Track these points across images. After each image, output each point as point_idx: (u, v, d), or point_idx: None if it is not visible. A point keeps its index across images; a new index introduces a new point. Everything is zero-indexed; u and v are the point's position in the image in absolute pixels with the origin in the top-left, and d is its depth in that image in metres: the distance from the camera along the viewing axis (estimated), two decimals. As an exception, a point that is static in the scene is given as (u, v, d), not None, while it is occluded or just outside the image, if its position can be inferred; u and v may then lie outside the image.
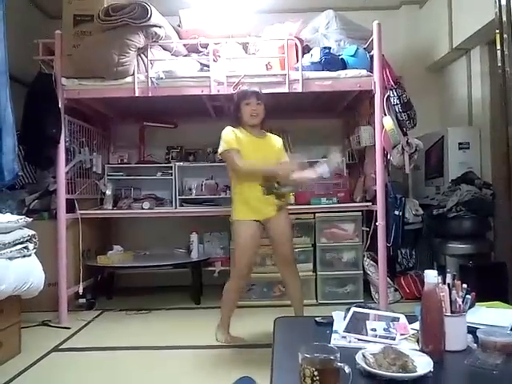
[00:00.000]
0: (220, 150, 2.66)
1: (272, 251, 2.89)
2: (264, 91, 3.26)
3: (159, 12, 3.27)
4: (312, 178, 2.67)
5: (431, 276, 1.24)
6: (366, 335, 1.36)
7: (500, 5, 2.52)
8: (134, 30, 3.13)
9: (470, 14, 3.46)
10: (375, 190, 3.30)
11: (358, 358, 1.14)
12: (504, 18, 2.47)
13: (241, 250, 2.67)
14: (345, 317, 1.50)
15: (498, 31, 2.51)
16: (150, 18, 3.10)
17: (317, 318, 1.59)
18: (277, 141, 2.83)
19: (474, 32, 3.42)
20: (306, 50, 3.51)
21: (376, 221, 3.27)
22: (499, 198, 3.38)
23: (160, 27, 3.26)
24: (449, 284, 1.32)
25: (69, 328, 3.08)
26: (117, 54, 3.12)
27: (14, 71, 3.46)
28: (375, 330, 1.38)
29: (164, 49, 3.48)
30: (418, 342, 1.30)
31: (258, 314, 3.06)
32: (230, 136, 2.64)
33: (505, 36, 2.45)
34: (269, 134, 2.84)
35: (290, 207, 3.63)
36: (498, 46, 2.52)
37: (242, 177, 2.66)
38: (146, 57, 3.29)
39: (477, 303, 1.54)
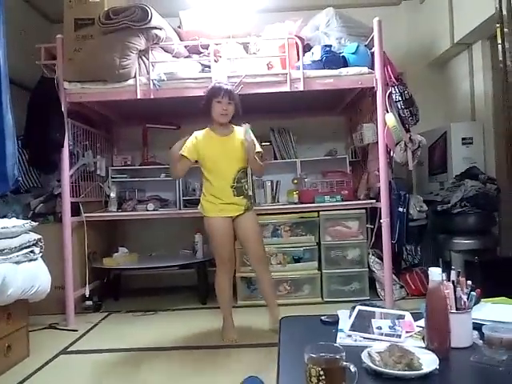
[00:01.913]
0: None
1: (243, 249, 2.98)
2: (265, 90, 3.29)
3: (159, 14, 3.28)
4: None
5: (435, 273, 1.25)
6: (372, 333, 1.37)
7: (500, -1, 2.51)
8: (134, 32, 3.13)
9: (471, 9, 3.45)
10: (379, 187, 3.30)
11: (364, 356, 1.15)
12: (504, 12, 2.47)
13: (219, 246, 2.75)
14: (350, 315, 1.51)
15: (498, 25, 2.50)
16: (150, 20, 3.11)
17: (322, 317, 1.59)
18: (241, 136, 2.77)
19: (475, 27, 3.40)
20: (307, 48, 3.51)
21: (380, 218, 3.26)
22: (504, 192, 3.37)
23: (160, 29, 3.26)
24: (453, 281, 1.32)
25: (76, 330, 3.09)
26: (118, 57, 3.13)
27: (16, 76, 3.48)
28: (381, 328, 1.39)
29: (165, 50, 3.49)
30: (423, 339, 1.30)
31: (263, 314, 3.06)
32: (188, 144, 2.74)
33: (505, 30, 2.45)
34: (235, 127, 2.82)
35: (293, 206, 3.68)
36: (499, 41, 2.52)
37: (213, 179, 2.73)
38: (148, 59, 3.30)
39: (482, 299, 1.54)
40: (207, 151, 2.72)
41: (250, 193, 2.84)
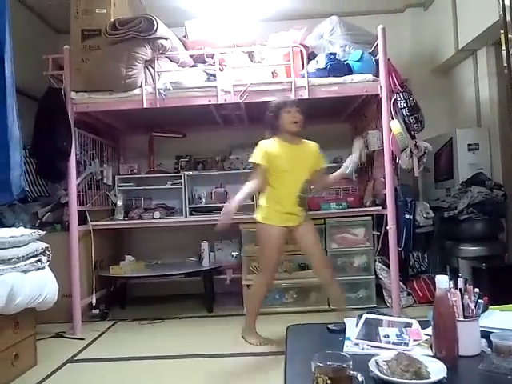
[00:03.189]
0: (251, 159, 2.79)
1: (305, 257, 3.00)
2: (270, 98, 3.30)
3: (165, 24, 3.31)
4: (340, 174, 2.86)
5: (442, 281, 1.24)
6: (379, 342, 1.36)
7: (504, 5, 2.51)
8: (140, 42, 3.17)
9: (475, 15, 3.46)
10: (385, 194, 3.29)
11: (371, 365, 1.14)
12: (508, 19, 2.46)
13: (270, 256, 2.77)
14: (357, 323, 1.51)
15: (502, 32, 2.50)
16: (156, 30, 3.14)
17: (329, 325, 1.59)
18: (313, 147, 2.89)
19: (480, 33, 3.41)
20: (312, 56, 3.52)
21: (387, 225, 3.25)
22: (511, 198, 3.36)
23: (166, 39, 3.30)
24: (461, 289, 1.32)
25: (83, 339, 3.10)
26: (124, 67, 3.16)
27: (23, 86, 3.53)
28: (388, 337, 1.38)
29: (171, 60, 3.52)
30: (431, 347, 1.30)
31: (269, 322, 3.06)
32: (260, 151, 2.75)
33: (510, 36, 2.44)
34: (305, 140, 2.88)
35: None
36: (504, 47, 2.51)
37: (279, 186, 2.75)
38: (154, 68, 3.33)
39: (490, 306, 1.53)
40: (278, 158, 2.73)
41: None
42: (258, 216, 2.80)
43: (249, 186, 2.75)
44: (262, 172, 2.74)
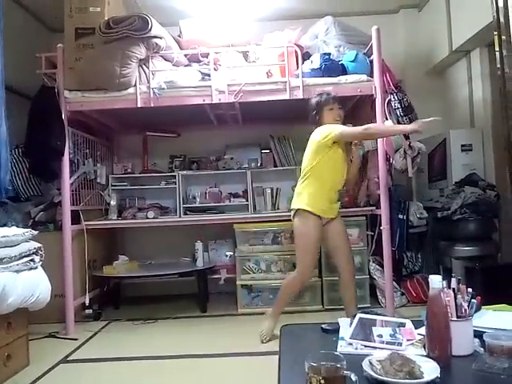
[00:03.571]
0: (334, 134, 2.68)
1: (331, 253, 2.96)
2: (265, 98, 3.32)
3: (159, 23, 3.30)
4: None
5: (436, 281, 1.24)
6: (373, 341, 1.36)
7: (497, 7, 2.52)
8: (135, 41, 3.16)
9: (469, 16, 3.47)
10: (379, 195, 3.30)
11: (365, 365, 1.14)
12: (502, 20, 2.47)
13: (309, 242, 2.74)
14: (351, 323, 1.51)
15: (496, 33, 2.51)
16: (150, 29, 3.13)
17: (323, 325, 1.59)
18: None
19: (473, 34, 3.43)
20: (306, 56, 3.53)
21: (380, 225, 3.26)
22: (504, 198, 3.38)
23: (161, 38, 3.29)
24: (454, 288, 1.32)
25: (76, 339, 3.08)
26: (118, 66, 3.15)
27: (16, 85, 3.51)
28: (382, 336, 1.38)
29: (165, 59, 3.51)
30: (424, 347, 1.30)
31: (263, 322, 3.05)
32: (332, 124, 2.77)
33: (503, 38, 2.45)
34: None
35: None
36: (497, 48, 2.53)
37: (328, 178, 2.76)
38: (148, 68, 3.32)
39: (483, 306, 1.54)
40: (334, 150, 2.75)
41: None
42: (300, 204, 2.77)
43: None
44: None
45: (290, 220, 3.61)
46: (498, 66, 2.48)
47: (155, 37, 3.23)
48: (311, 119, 2.87)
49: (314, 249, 2.77)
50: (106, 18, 3.22)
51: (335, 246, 2.86)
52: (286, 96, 3.29)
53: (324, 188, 2.77)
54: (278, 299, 2.90)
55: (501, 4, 2.47)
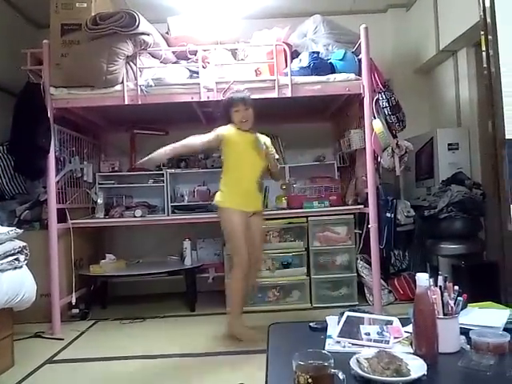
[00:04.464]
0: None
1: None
2: (253, 96, 3.28)
3: (147, 19, 3.27)
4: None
5: (423, 279, 1.25)
6: (361, 339, 1.37)
7: (484, 6, 2.55)
8: (122, 38, 3.12)
9: (456, 17, 3.50)
10: (367, 193, 3.32)
11: (353, 363, 1.14)
12: (488, 20, 2.50)
13: (238, 238, 2.77)
14: (339, 321, 1.51)
15: (482, 33, 2.54)
16: (138, 25, 3.11)
17: (311, 324, 1.59)
18: (266, 140, 2.95)
19: (460, 34, 3.46)
20: (295, 55, 3.53)
21: (368, 223, 3.28)
22: (489, 197, 3.41)
23: (148, 35, 3.26)
24: (440, 286, 1.33)
25: (62, 339, 3.04)
26: (105, 63, 3.11)
27: (2, 81, 3.45)
28: (369, 334, 1.39)
29: (153, 56, 3.48)
30: (411, 344, 1.31)
31: (252, 320, 3.05)
32: (221, 129, 2.83)
33: (489, 38, 2.48)
34: (258, 134, 2.92)
35: (282, 211, 3.68)
36: (484, 48, 2.55)
37: (239, 169, 2.82)
38: (135, 64, 3.29)
39: (469, 304, 1.55)
40: (237, 142, 2.81)
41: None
42: (219, 200, 2.84)
43: (189, 139, 2.78)
44: (212, 138, 2.78)
45: (278, 218, 3.65)
46: (485, 65, 2.51)
47: (143, 33, 3.20)
48: (222, 120, 2.88)
49: (244, 240, 2.77)
50: (93, 14, 3.18)
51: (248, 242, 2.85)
52: (274, 94, 3.28)
53: (237, 180, 2.84)
54: (231, 301, 2.93)
55: (487, 4, 2.49)
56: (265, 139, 2.94)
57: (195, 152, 3.01)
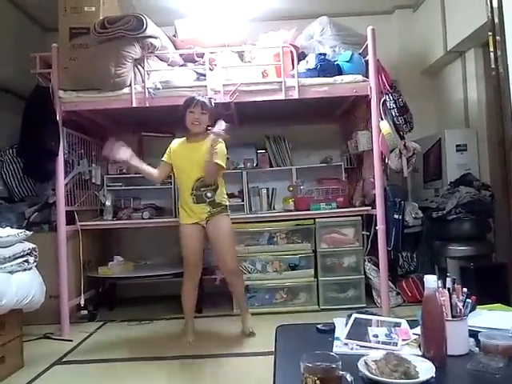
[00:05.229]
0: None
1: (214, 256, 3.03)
2: (260, 99, 3.30)
3: (154, 23, 3.29)
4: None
5: (431, 281, 1.25)
6: (368, 342, 1.36)
7: (492, 7, 2.54)
8: (129, 41, 3.14)
9: (464, 17, 3.49)
10: (374, 194, 3.31)
11: (361, 365, 1.14)
12: (496, 21, 2.49)
13: (183, 252, 2.90)
14: (346, 323, 1.51)
15: (490, 33, 2.52)
16: (145, 29, 3.12)
17: (318, 325, 1.59)
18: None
19: (468, 35, 3.45)
20: (302, 56, 3.53)
21: (376, 225, 3.27)
22: (498, 198, 3.39)
23: (156, 38, 3.28)
24: (449, 288, 1.32)
25: (71, 340, 3.07)
26: (113, 66, 3.13)
27: (11, 85, 3.49)
28: (377, 336, 1.38)
29: (160, 59, 3.50)
30: (419, 347, 1.30)
31: (259, 322, 3.05)
32: (169, 148, 2.96)
33: (497, 38, 2.47)
34: (210, 138, 2.79)
35: (289, 213, 3.67)
36: (492, 48, 2.54)
37: (178, 186, 2.94)
38: (143, 67, 3.31)
39: (478, 306, 1.54)
40: (175, 157, 2.90)
41: (220, 199, 2.89)
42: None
43: (151, 170, 2.96)
44: (162, 166, 2.95)
45: (285, 220, 3.65)
46: (493, 66, 2.50)
47: (150, 36, 3.22)
48: (179, 118, 2.87)
49: (189, 248, 2.87)
50: (101, 18, 3.20)
51: (212, 246, 2.94)
52: (281, 96, 3.29)
53: (180, 195, 2.93)
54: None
55: (495, 5, 2.48)
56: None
57: (155, 180, 3.06)
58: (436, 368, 1.11)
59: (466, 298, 1.33)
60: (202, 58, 3.42)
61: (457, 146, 3.77)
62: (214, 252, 2.94)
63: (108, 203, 3.88)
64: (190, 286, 2.94)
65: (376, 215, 3.26)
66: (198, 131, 2.85)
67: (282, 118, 4.06)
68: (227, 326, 3.11)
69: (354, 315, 1.54)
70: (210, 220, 2.85)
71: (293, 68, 3.34)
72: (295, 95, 3.28)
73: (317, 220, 3.62)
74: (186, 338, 2.91)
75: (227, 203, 2.98)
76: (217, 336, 3.00)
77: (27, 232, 2.66)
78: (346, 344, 1.38)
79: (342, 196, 3.72)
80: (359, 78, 3.31)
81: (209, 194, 2.83)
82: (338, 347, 1.37)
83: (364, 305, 3.50)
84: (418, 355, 1.24)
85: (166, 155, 2.94)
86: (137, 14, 3.14)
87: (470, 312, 1.35)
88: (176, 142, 2.96)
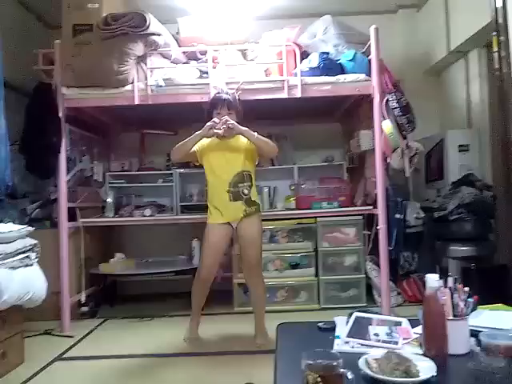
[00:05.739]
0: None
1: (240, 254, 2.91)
2: (263, 97, 3.30)
3: (158, 20, 3.29)
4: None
5: (432, 280, 1.24)
6: (369, 340, 1.36)
7: (496, 8, 2.54)
8: (133, 38, 3.14)
9: (467, 17, 3.48)
10: (376, 194, 3.30)
11: (361, 363, 1.14)
12: (500, 21, 2.48)
13: (204, 252, 2.78)
14: (347, 322, 1.51)
15: (494, 34, 2.52)
16: (148, 26, 3.12)
17: (319, 324, 1.59)
18: (244, 139, 2.76)
19: (471, 35, 3.44)
20: (305, 55, 3.52)
21: (377, 224, 3.27)
22: (500, 199, 3.38)
23: (159, 35, 3.27)
24: (450, 288, 1.32)
25: (72, 337, 3.08)
26: (116, 63, 3.14)
27: (13, 81, 3.48)
28: (378, 335, 1.38)
29: (163, 56, 3.50)
30: (420, 346, 1.30)
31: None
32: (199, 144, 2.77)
33: (501, 38, 2.46)
34: (238, 135, 2.75)
35: (290, 212, 3.68)
36: (495, 49, 2.54)
37: (212, 181, 2.76)
38: (146, 65, 3.31)
39: (479, 306, 1.54)
40: (208, 153, 2.76)
41: (255, 197, 2.80)
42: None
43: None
44: (193, 152, 2.76)
45: (287, 219, 3.65)
46: (497, 66, 2.50)
47: (153, 34, 3.22)
48: (206, 121, 2.73)
49: (212, 253, 2.74)
50: (104, 15, 3.21)
51: (241, 248, 2.83)
52: (284, 95, 3.28)
53: (211, 193, 2.79)
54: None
55: (499, 5, 2.48)
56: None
57: (181, 154, 2.80)
58: (437, 367, 1.11)
59: (468, 297, 1.33)
60: (205, 55, 3.42)
61: (459, 146, 3.77)
62: (241, 247, 2.81)
63: (110, 200, 3.89)
64: (202, 284, 2.81)
65: (377, 215, 3.26)
66: (230, 135, 2.70)
67: (284, 116, 4.05)
68: (227, 324, 3.11)
69: (355, 314, 1.54)
70: (245, 219, 2.73)
71: (295, 66, 3.34)
72: (298, 94, 3.28)
73: (318, 219, 3.62)
74: (189, 336, 2.85)
75: (259, 202, 2.90)
76: (217, 333, 2.99)
77: (29, 228, 2.66)
78: (347, 342, 1.38)
79: (344, 195, 3.72)
80: (362, 77, 3.31)
81: (245, 191, 2.73)
82: (339, 345, 1.37)
83: (365, 304, 3.51)
84: (419, 354, 1.24)
85: (196, 146, 2.75)
86: (140, 12, 3.15)
87: (471, 311, 1.34)
88: (201, 142, 2.78)
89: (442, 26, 3.91)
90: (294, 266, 3.62)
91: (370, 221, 3.60)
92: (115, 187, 4.13)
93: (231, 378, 2.30)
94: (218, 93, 2.86)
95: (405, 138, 3.34)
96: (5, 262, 2.40)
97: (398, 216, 3.35)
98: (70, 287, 3.32)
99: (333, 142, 4.43)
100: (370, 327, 1.44)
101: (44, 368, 2.53)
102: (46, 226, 3.56)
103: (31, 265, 2.61)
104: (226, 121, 2.63)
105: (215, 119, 2.67)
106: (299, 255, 3.64)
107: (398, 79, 3.67)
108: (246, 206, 2.73)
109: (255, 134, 2.69)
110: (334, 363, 1.00)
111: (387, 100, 3.29)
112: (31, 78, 3.41)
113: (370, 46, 3.32)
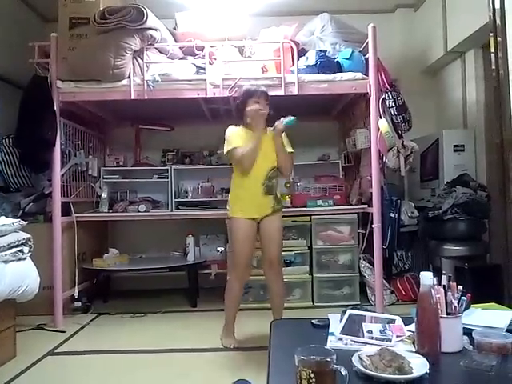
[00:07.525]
0: (225, 150, 2.66)
1: (260, 251, 2.84)
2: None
3: (155, 15, 3.27)
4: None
5: (427, 278, 1.25)
6: (363, 337, 1.37)
7: (494, 8, 2.54)
8: (129, 32, 3.13)
9: (465, 18, 3.49)
10: (371, 193, 3.31)
11: (355, 360, 1.14)
12: (498, 22, 2.49)
13: (236, 248, 2.68)
14: (341, 319, 1.51)
15: (492, 34, 2.53)
16: (145, 20, 3.11)
17: (313, 321, 1.59)
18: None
19: (469, 35, 3.45)
20: (302, 53, 3.52)
21: (372, 223, 3.27)
22: (494, 199, 3.40)
23: (156, 30, 3.26)
24: (444, 286, 1.33)
25: (64, 332, 3.06)
26: (112, 57, 3.12)
27: (9, 74, 3.47)
28: (371, 332, 1.39)
29: (160, 51, 3.48)
30: (414, 343, 1.30)
31: (254, 317, 3.05)
32: (233, 135, 2.66)
33: (498, 39, 2.47)
34: (269, 129, 2.75)
35: (285, 209, 3.67)
36: (492, 49, 2.54)
37: (246, 175, 2.65)
38: (142, 59, 3.30)
39: (472, 305, 1.55)
40: (244, 144, 2.63)
41: (279, 195, 2.80)
42: (228, 210, 2.76)
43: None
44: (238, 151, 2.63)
45: (282, 216, 3.63)
46: (493, 67, 2.50)
47: (150, 28, 3.20)
48: (237, 111, 2.72)
49: (245, 248, 2.66)
50: (101, 8, 3.18)
51: (262, 244, 2.76)
52: (280, 92, 3.28)
53: (242, 188, 2.69)
54: (225, 310, 2.80)
55: (497, 6, 2.48)
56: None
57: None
58: (430, 364, 1.12)
59: (461, 295, 1.33)
60: (202, 51, 3.40)
61: (454, 146, 3.78)
62: (262, 244, 2.75)
63: (104, 195, 3.87)
64: (238, 286, 2.72)
65: (372, 213, 3.27)
66: (263, 120, 2.65)
67: (280, 114, 4.03)
68: (221, 321, 3.09)
69: (349, 311, 1.55)
70: (270, 215, 2.69)
71: (293, 64, 3.33)
72: (294, 91, 3.28)
73: (313, 217, 3.62)
74: (229, 341, 2.72)
75: None
76: (211, 330, 2.99)
77: (22, 222, 2.65)
78: (341, 339, 1.38)
79: (339, 193, 3.73)
80: (359, 75, 3.31)
81: (276, 187, 2.73)
82: (333, 342, 1.37)
83: (358, 302, 3.51)
84: (412, 351, 1.24)
85: (236, 141, 2.62)
86: (137, 6, 3.13)
87: (464, 310, 1.35)
88: (237, 130, 2.69)
89: (439, 25, 3.91)
90: (288, 264, 3.62)
91: (364, 219, 3.61)
92: (110, 182, 4.11)
93: (225, 374, 2.30)
94: (252, 85, 2.82)
95: (400, 137, 3.35)
96: (-3, 255, 2.38)
97: (392, 215, 3.35)
98: (63, 282, 3.31)
99: (329, 140, 4.43)
100: (363, 324, 1.44)
101: (36, 363, 2.52)
102: (39, 220, 3.55)
103: (24, 259, 2.59)
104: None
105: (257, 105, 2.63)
106: (293, 253, 3.64)
107: (395, 78, 3.68)
108: (275, 202, 2.72)
109: (290, 149, 2.77)
110: (328, 359, 1.00)
111: (383, 99, 3.29)
112: (27, 71, 3.38)
113: (367, 44, 3.32)
